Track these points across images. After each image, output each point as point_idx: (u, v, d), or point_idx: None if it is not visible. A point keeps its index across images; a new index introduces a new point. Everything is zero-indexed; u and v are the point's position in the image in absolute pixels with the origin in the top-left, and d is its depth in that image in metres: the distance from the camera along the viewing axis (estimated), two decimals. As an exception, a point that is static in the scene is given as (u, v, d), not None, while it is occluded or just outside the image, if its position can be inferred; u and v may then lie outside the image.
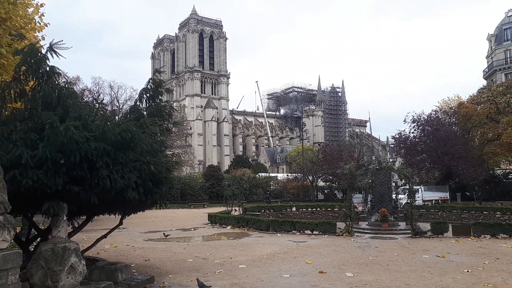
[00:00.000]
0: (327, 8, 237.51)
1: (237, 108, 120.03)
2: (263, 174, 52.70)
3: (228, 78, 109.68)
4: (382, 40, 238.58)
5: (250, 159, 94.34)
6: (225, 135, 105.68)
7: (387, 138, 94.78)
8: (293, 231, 17.81)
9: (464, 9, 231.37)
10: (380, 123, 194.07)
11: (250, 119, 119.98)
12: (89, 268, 8.36)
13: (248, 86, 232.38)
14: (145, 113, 10.05)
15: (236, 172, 46.83)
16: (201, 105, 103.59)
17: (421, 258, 11.59)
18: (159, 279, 9.10)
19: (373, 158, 59.21)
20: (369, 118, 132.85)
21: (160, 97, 10.60)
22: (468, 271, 9.58)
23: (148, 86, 10.36)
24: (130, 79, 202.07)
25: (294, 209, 28.63)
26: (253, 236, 17.36)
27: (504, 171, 40.21)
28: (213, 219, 22.62)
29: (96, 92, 41.37)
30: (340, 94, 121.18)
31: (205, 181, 44.01)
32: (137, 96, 10.54)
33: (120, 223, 10.19)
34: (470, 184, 38.01)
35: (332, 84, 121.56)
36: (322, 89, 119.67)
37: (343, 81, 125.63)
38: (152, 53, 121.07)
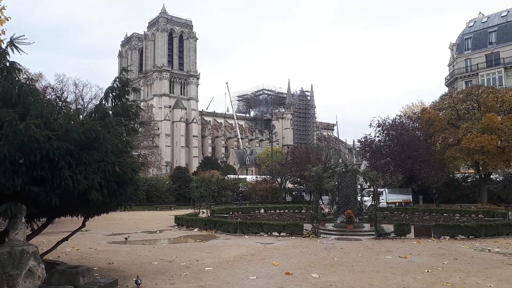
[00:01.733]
0: (292, 16, 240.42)
1: (206, 109, 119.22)
2: (232, 176, 52.56)
3: (198, 78, 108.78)
4: (348, 47, 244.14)
5: (219, 161, 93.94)
6: (193, 136, 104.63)
7: (354, 141, 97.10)
8: (260, 233, 17.86)
9: (428, 19, 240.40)
10: (347, 127, 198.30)
11: (220, 120, 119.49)
12: (48, 272, 8.06)
13: (218, 87, 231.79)
14: (110, 112, 9.81)
15: (204, 174, 46.50)
16: (170, 105, 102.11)
17: (384, 258, 11.91)
18: (122, 283, 8.88)
19: (340, 161, 60.45)
20: (337, 122, 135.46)
21: (126, 96, 10.37)
22: (428, 271, 9.93)
23: (114, 84, 10.11)
24: (97, 79, 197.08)
25: (262, 211, 28.74)
26: (221, 238, 17.27)
27: (463, 175, 41.98)
28: (180, 222, 22.33)
29: (60, 90, 39.90)
30: (309, 97, 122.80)
31: (172, 183, 43.41)
32: (103, 95, 10.27)
33: (83, 225, 9.88)
34: (432, 187, 39.45)
35: (301, 88, 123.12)
36: (292, 93, 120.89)
37: (312, 85, 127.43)
38: (119, 51, 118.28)
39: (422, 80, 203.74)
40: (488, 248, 13.71)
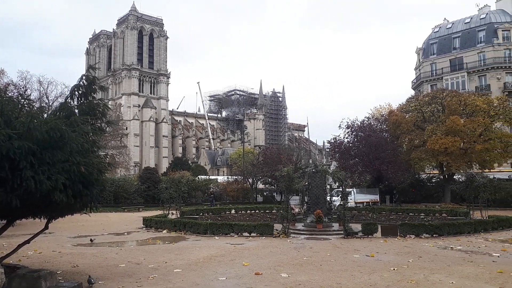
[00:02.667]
0: (261, 19, 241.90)
1: (177, 108, 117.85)
2: (203, 176, 52.11)
3: (168, 77, 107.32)
4: (318, 50, 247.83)
5: (190, 162, 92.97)
6: (163, 136, 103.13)
7: (324, 142, 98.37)
8: (231, 234, 17.80)
9: (397, 24, 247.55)
10: (317, 128, 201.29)
11: (191, 120, 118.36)
12: (8, 276, 7.74)
13: (189, 87, 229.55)
14: (76, 111, 9.51)
15: (174, 175, 45.82)
16: (139, 105, 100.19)
17: (352, 257, 12.13)
18: (88, 286, 8.62)
19: (310, 161, 61.30)
20: (307, 123, 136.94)
21: (93, 94, 10.09)
22: (394, 269, 10.19)
23: (81, 82, 9.82)
24: (64, 77, 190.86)
25: (233, 211, 28.66)
26: (190, 239, 17.09)
27: (428, 175, 43.40)
28: (149, 223, 21.93)
29: (23, 87, 38.28)
30: (280, 99, 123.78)
31: (140, 184, 42.60)
32: (69, 93, 9.95)
33: (46, 227, 9.52)
34: (398, 187, 40.57)
35: (273, 89, 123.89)
36: (264, 94, 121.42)
37: (283, 86, 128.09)
38: (87, 48, 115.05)
39: (391, 83, 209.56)
40: (451, 246, 14.22)
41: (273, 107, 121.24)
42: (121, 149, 64.32)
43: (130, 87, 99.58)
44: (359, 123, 41.26)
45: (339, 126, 42.09)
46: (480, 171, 33.43)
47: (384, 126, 42.60)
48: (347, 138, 41.24)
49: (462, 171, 32.90)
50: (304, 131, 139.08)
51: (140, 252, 13.93)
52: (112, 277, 9.56)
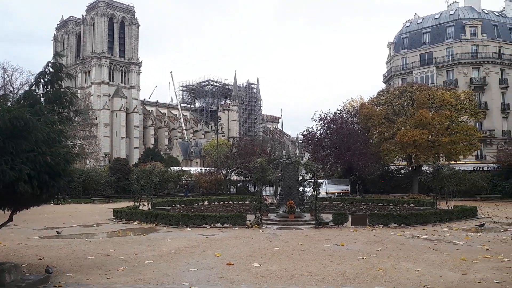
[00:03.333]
0: (234, 11, 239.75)
1: (149, 98, 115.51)
2: (175, 168, 51.57)
3: (140, 66, 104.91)
4: (292, 43, 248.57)
5: (162, 153, 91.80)
6: (135, 126, 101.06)
7: (297, 134, 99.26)
8: (203, 225, 17.74)
9: (370, 18, 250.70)
10: (291, 121, 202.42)
11: (163, 110, 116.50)
12: (-32, 271, 7.43)
13: (162, 77, 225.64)
14: (42, 99, 9.16)
15: (146, 166, 45.15)
16: (109, 94, 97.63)
17: (323, 247, 12.34)
18: (55, 279, 8.40)
19: (284, 153, 61.65)
20: (281, 115, 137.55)
21: (60, 82, 9.74)
22: (363, 257, 10.44)
23: (46, 69, 9.45)
24: (30, 65, 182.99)
25: (206, 203, 28.54)
26: (162, 231, 16.92)
27: (397, 167, 44.61)
28: (119, 215, 21.53)
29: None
30: (255, 90, 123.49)
31: (111, 175, 41.73)
32: (34, 80, 9.57)
33: (10, 219, 9.18)
34: (368, 178, 41.51)
35: (248, 80, 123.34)
36: (238, 85, 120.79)
37: (258, 78, 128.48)
38: (54, 35, 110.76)
39: (364, 76, 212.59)
40: (418, 235, 14.70)
41: (247, 98, 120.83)
42: (90, 139, 62.78)
43: (100, 76, 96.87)
44: (332, 116, 41.85)
45: (312, 118, 42.59)
46: (447, 163, 34.60)
47: (356, 119, 43.36)
48: (319, 130, 41.78)
49: (429, 163, 33.92)
50: (278, 123, 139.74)
51: (110, 244, 13.68)
52: (80, 270, 9.35)
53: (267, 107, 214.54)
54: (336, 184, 39.83)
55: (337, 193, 37.75)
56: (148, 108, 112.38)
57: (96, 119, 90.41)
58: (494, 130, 53.89)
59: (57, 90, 9.57)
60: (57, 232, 16.30)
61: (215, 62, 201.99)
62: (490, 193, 35.39)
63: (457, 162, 37.90)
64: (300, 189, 22.51)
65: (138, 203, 24.10)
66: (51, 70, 9.47)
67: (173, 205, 25.89)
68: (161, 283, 8.15)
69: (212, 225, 17.70)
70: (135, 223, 19.68)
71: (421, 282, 7.83)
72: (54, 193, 8.70)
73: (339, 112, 44.47)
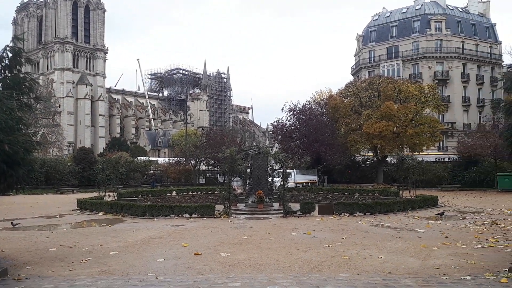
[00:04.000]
0: (203, 0, 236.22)
1: (115, 86, 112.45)
2: (142, 158, 50.61)
3: (106, 53, 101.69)
4: (262, 35, 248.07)
5: (128, 142, 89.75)
6: (100, 115, 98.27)
7: (267, 125, 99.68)
8: (171, 216, 17.53)
9: (342, 10, 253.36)
10: (261, 111, 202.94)
11: (130, 99, 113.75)
12: None
13: (129, 65, 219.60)
14: (-1, 85, 8.72)
15: (111, 155, 44.02)
16: (73, 81, 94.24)
17: (290, 235, 12.49)
18: (14, 272, 8.07)
19: (254, 143, 61.84)
20: (252, 106, 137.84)
21: (19, 67, 9.30)
22: (329, 245, 10.64)
23: (4, 54, 8.98)
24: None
25: (174, 193, 28.27)
26: (128, 222, 16.60)
27: (363, 157, 45.72)
28: (83, 205, 20.95)
29: None
30: (225, 80, 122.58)
31: (75, 165, 40.49)
32: (-10, 65, 9.07)
33: (-36, 211, 8.73)
34: (336, 168, 42.32)
35: (218, 70, 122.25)
36: (208, 74, 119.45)
37: (228, 67, 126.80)
38: (14, 18, 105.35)
39: (334, 68, 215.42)
40: (382, 223, 15.13)
41: (217, 88, 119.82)
42: (53, 127, 60.62)
43: (64, 62, 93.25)
44: (301, 107, 42.21)
45: (282, 109, 42.83)
46: (410, 153, 35.75)
47: (324, 110, 43.95)
48: (289, 121, 42.09)
49: (394, 154, 34.95)
50: (248, 113, 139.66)
51: (73, 235, 13.29)
52: (41, 262, 9.04)
53: (238, 98, 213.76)
54: (304, 174, 40.37)
55: (305, 183, 38.30)
56: (114, 96, 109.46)
57: (59, 107, 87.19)
58: (455, 122, 56.18)
59: (15, 75, 9.15)
60: (12, 224, 15.43)
61: (184, 51, 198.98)
62: (451, 183, 36.93)
63: (420, 153, 39.27)
64: (269, 179, 22.67)
65: (104, 194, 23.53)
66: (9, 54, 9.05)
67: (140, 196, 25.48)
68: (126, 274, 8.00)
69: (180, 215, 17.52)
70: (100, 214, 19.22)
71: (383, 269, 8.07)
72: (12, 183, 8.34)
73: (308, 103, 44.96)
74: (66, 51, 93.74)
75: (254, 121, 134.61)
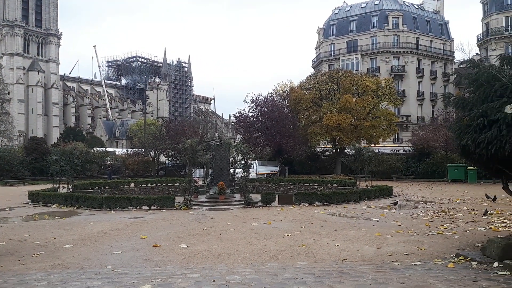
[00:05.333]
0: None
1: (69, 74, 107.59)
2: (99, 148, 48.98)
3: (59, 38, 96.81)
4: (223, 26, 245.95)
5: (84, 132, 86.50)
6: (53, 103, 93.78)
7: (230, 116, 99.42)
8: (129, 208, 17.13)
9: (303, 2, 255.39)
10: (224, 102, 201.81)
11: (86, 87, 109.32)
12: None
13: (84, 52, 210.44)
14: None
15: (66, 146, 42.21)
16: (24, 67, 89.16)
17: (250, 226, 12.57)
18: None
19: (216, 135, 61.46)
20: (214, 96, 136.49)
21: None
22: (288, 235, 10.81)
23: None
24: None
25: (132, 185, 27.63)
26: (84, 214, 16.05)
27: (323, 149, 46.72)
28: (36, 198, 20.02)
29: None
30: (186, 69, 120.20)
31: (26, 155, 38.54)
32: None
33: None
34: (296, 159, 42.99)
35: (179, 58, 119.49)
36: (168, 62, 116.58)
37: (189, 56, 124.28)
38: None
39: (296, 60, 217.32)
40: (339, 213, 15.56)
41: (178, 77, 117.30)
42: (2, 116, 57.29)
43: (13, 47, 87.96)
44: (263, 99, 42.40)
45: (245, 101, 42.86)
46: (367, 145, 36.90)
47: (286, 102, 44.41)
48: (251, 112, 42.20)
49: (352, 146, 35.89)
50: (210, 104, 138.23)
51: (24, 228, 12.68)
52: (-12, 257, 8.55)
53: (200, 88, 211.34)
54: (266, 165, 40.70)
55: (267, 174, 38.64)
56: (69, 84, 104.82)
57: (8, 94, 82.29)
58: (410, 115, 58.57)
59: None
60: None
61: (143, 39, 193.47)
62: (405, 173, 38.52)
63: (376, 145, 40.63)
64: (231, 170, 22.66)
65: (57, 186, 22.59)
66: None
67: (96, 188, 24.71)
68: (81, 267, 7.74)
69: (138, 207, 17.16)
70: (54, 206, 18.45)
71: (339, 256, 8.31)
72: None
73: (270, 95, 45.26)
74: (16, 35, 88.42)
75: (217, 112, 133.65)
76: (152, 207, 17.16)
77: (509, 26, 51.46)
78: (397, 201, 18.82)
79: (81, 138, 65.04)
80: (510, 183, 9.06)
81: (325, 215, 14.88)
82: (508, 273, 6.45)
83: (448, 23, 66.83)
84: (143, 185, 27.79)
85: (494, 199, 18.41)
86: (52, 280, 6.77)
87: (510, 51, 43.36)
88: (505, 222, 12.52)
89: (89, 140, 68.07)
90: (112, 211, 16.56)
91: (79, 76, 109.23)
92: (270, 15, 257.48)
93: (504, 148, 7.00)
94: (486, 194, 19.64)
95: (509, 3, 51.80)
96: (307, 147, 41.99)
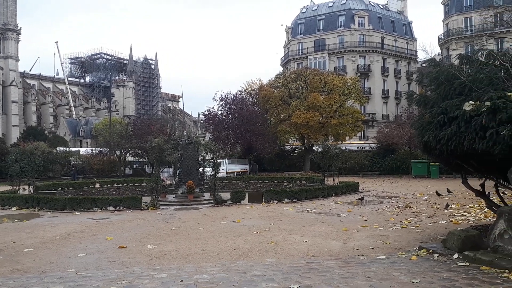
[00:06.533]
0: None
1: (30, 71, 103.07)
2: (62, 148, 47.23)
3: (19, 34, 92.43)
4: (191, 23, 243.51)
5: (46, 131, 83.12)
6: (13, 101, 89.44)
7: (199, 114, 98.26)
8: (94, 209, 16.66)
9: (271, 1, 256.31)
10: (192, 100, 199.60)
11: (48, 85, 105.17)
12: None
13: (46, 49, 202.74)
14: None
15: (26, 146, 40.48)
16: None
17: (220, 224, 12.51)
18: None
19: (185, 133, 60.82)
20: (182, 94, 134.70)
21: None
22: (257, 232, 10.83)
23: None
24: None
25: (98, 185, 26.91)
26: (46, 216, 15.46)
27: (292, 146, 47.17)
28: (-6, 200, 19.10)
29: None
30: (153, 66, 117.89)
31: (-16, 156, 36.69)
32: None
33: None
34: (266, 157, 43.19)
35: (145, 55, 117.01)
36: (134, 59, 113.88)
37: (156, 53, 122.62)
38: None
39: (265, 58, 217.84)
40: (307, 209, 15.75)
41: (145, 74, 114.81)
42: (-44, 115, 54.22)
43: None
44: (233, 97, 42.25)
45: (213, 98, 42.66)
46: (335, 143, 37.55)
47: (255, 100, 44.49)
48: (221, 110, 41.98)
49: (320, 143, 36.48)
50: (179, 102, 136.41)
51: (-20, 233, 12.05)
52: None
53: (167, 86, 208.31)
54: (236, 163, 40.67)
55: (237, 172, 38.61)
56: (29, 81, 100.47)
57: (-37, 92, 78.17)
58: (375, 113, 60.05)
59: None
60: None
61: (109, 36, 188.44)
62: (371, 170, 39.50)
63: (343, 142, 41.44)
64: (200, 169, 22.47)
65: (18, 187, 21.64)
66: None
67: (60, 189, 23.91)
68: (43, 271, 7.44)
69: (104, 208, 16.71)
70: (14, 208, 17.66)
71: (308, 252, 8.40)
72: None
73: (239, 93, 45.13)
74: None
75: (185, 110, 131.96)
76: (118, 208, 16.76)
77: (469, 27, 53.65)
78: (363, 197, 19.27)
79: (43, 138, 62.42)
80: (469, 178, 9.46)
81: (294, 212, 15.02)
82: (467, 264, 6.72)
83: (411, 23, 68.96)
84: (108, 185, 27.12)
85: (439, 194, 19.31)
86: (11, 286, 6.46)
87: (469, 50, 45.26)
88: (465, 215, 13.07)
89: (52, 139, 65.47)
90: (76, 213, 16.05)
91: (40, 74, 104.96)
92: (238, 15, 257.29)
93: (462, 144, 7.28)
94: (436, 191, 20.31)
95: (468, 4, 53.99)
96: (277, 145, 42.29)
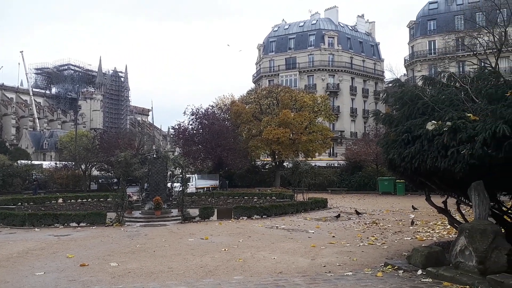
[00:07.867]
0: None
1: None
2: (23, 161, 45.32)
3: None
4: (163, 38, 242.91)
5: (7, 144, 79.67)
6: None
7: (169, 128, 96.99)
8: (55, 225, 15.98)
9: (243, 18, 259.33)
10: (162, 114, 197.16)
11: (11, 95, 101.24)
12: None
13: (10, 57, 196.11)
14: None
15: (-15, 158, 38.75)
16: None
17: (187, 241, 12.25)
18: None
19: (154, 147, 59.79)
20: (152, 107, 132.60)
21: None
22: (225, 249, 10.67)
23: None
24: None
25: (61, 200, 25.89)
26: (3, 233, 14.67)
27: (263, 162, 47.26)
28: None
29: None
30: (122, 79, 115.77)
31: None
32: None
33: None
34: (237, 173, 43.02)
35: (115, 68, 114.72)
36: (104, 72, 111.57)
37: (126, 66, 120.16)
38: None
39: (238, 74, 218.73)
40: (277, 225, 15.71)
41: (114, 87, 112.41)
42: None
43: None
44: (204, 111, 42.06)
45: (184, 113, 42.26)
46: (304, 159, 37.92)
47: (227, 115, 44.44)
48: (191, 125, 41.64)
49: (290, 159, 36.74)
50: (148, 115, 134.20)
51: None
52: None
53: (137, 99, 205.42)
54: (206, 179, 40.21)
55: (207, 188, 38.16)
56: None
57: None
58: (344, 131, 61.30)
59: None
60: None
61: (78, 48, 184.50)
62: (339, 186, 40.04)
63: (313, 159, 41.89)
64: (169, 184, 22.07)
65: (-27, 202, 20.51)
66: None
67: (19, 204, 22.81)
68: (-5, 292, 7.01)
69: (66, 224, 16.06)
70: (-33, 225, 16.66)
71: (275, 269, 8.33)
72: None
73: (211, 108, 45.04)
74: None
75: (155, 123, 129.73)
76: (81, 224, 16.16)
77: (432, 50, 56.12)
78: (339, 213, 19.38)
79: (4, 150, 59.80)
80: (433, 195, 9.73)
81: (263, 228, 14.94)
82: (430, 280, 6.85)
83: (379, 44, 71.44)
84: (72, 200, 26.15)
85: (415, 208, 20.60)
86: (-42, 309, 6.04)
87: (433, 72, 47.23)
88: (429, 232, 13.40)
89: (13, 152, 62.85)
90: (36, 229, 15.33)
91: (3, 83, 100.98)
92: (210, 30, 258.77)
93: (426, 162, 7.50)
94: (412, 205, 21.05)
95: (432, 28, 56.60)
96: (248, 160, 42.23)
